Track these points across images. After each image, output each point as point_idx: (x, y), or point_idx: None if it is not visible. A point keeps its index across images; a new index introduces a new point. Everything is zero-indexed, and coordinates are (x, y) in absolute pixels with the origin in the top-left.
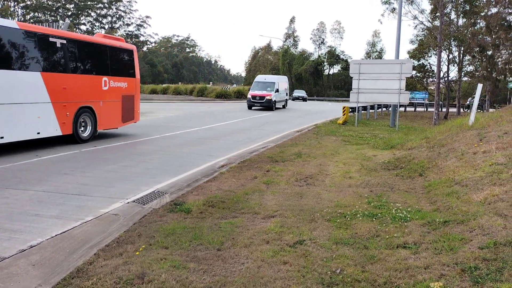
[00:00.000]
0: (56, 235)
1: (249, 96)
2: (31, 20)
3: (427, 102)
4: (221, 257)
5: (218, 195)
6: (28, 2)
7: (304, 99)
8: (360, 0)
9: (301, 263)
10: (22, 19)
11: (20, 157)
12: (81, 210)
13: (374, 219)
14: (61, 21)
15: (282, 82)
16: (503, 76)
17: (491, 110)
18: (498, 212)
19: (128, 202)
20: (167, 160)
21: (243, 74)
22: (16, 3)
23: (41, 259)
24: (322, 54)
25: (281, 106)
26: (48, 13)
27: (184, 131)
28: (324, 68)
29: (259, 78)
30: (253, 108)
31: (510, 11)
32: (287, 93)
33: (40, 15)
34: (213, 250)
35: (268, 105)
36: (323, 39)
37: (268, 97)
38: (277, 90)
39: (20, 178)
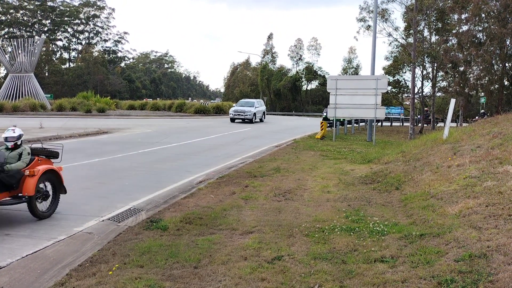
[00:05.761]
0: (27, 255)
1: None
2: (6, 36)
3: (403, 117)
4: (198, 275)
5: (196, 211)
6: (3, 18)
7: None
8: (336, 18)
9: (279, 279)
10: None
11: None
12: (54, 228)
13: (352, 233)
14: (36, 37)
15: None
16: (475, 91)
17: (464, 124)
18: (473, 225)
19: (102, 220)
20: (144, 177)
21: (222, 90)
22: None
23: (10, 280)
24: (300, 70)
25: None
26: (24, 28)
27: (161, 147)
28: (302, 83)
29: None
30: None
31: (480, 28)
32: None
33: (15, 31)
34: (190, 268)
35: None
36: (301, 56)
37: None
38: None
39: None
